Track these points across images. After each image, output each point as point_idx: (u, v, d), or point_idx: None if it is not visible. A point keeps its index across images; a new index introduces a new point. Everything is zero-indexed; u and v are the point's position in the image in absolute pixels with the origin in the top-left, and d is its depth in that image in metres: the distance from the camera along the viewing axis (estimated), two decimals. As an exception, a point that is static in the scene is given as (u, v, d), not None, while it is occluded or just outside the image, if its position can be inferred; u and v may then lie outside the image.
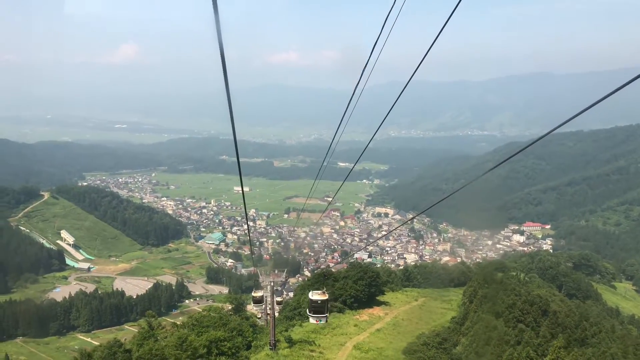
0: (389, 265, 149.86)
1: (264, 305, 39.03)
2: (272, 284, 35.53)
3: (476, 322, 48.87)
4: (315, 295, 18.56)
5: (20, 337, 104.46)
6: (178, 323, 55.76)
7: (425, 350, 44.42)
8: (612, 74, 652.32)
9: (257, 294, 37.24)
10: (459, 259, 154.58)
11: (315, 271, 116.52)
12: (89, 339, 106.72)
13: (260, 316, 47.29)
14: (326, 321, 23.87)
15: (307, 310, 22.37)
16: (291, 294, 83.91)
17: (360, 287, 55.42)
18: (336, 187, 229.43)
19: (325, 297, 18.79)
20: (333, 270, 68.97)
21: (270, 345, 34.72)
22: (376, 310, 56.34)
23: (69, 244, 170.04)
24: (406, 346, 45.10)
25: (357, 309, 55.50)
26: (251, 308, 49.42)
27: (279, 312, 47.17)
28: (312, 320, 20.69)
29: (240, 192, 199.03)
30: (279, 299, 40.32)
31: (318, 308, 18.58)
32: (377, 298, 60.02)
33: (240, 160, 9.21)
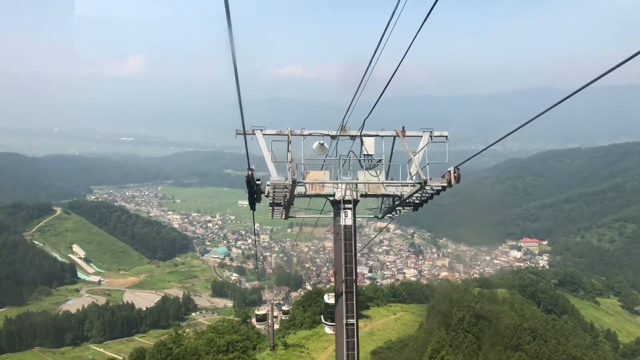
0: (389, 280, 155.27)
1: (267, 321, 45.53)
2: (272, 300, 42.11)
3: (423, 331, 61.40)
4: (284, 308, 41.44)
5: (37, 347, 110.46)
6: (198, 331, 73.79)
7: (387, 352, 58.74)
8: (619, 89, 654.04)
9: (261, 312, 42.17)
10: (457, 275, 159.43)
11: (316, 285, 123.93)
12: (101, 349, 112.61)
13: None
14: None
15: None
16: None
17: (344, 302, 63.33)
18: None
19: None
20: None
21: (270, 348, 47.74)
22: (357, 322, 64.59)
23: (81, 258, 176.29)
24: (374, 349, 59.04)
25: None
26: (253, 321, 56.63)
27: (280, 323, 55.53)
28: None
29: (245, 206, 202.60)
30: (285, 308, 49.68)
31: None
32: (360, 312, 67.12)
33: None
